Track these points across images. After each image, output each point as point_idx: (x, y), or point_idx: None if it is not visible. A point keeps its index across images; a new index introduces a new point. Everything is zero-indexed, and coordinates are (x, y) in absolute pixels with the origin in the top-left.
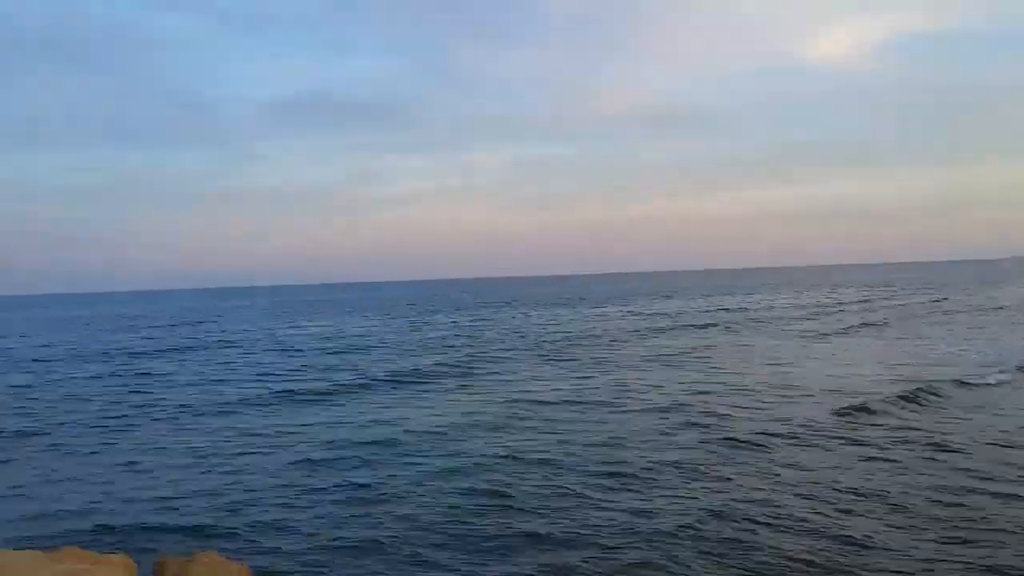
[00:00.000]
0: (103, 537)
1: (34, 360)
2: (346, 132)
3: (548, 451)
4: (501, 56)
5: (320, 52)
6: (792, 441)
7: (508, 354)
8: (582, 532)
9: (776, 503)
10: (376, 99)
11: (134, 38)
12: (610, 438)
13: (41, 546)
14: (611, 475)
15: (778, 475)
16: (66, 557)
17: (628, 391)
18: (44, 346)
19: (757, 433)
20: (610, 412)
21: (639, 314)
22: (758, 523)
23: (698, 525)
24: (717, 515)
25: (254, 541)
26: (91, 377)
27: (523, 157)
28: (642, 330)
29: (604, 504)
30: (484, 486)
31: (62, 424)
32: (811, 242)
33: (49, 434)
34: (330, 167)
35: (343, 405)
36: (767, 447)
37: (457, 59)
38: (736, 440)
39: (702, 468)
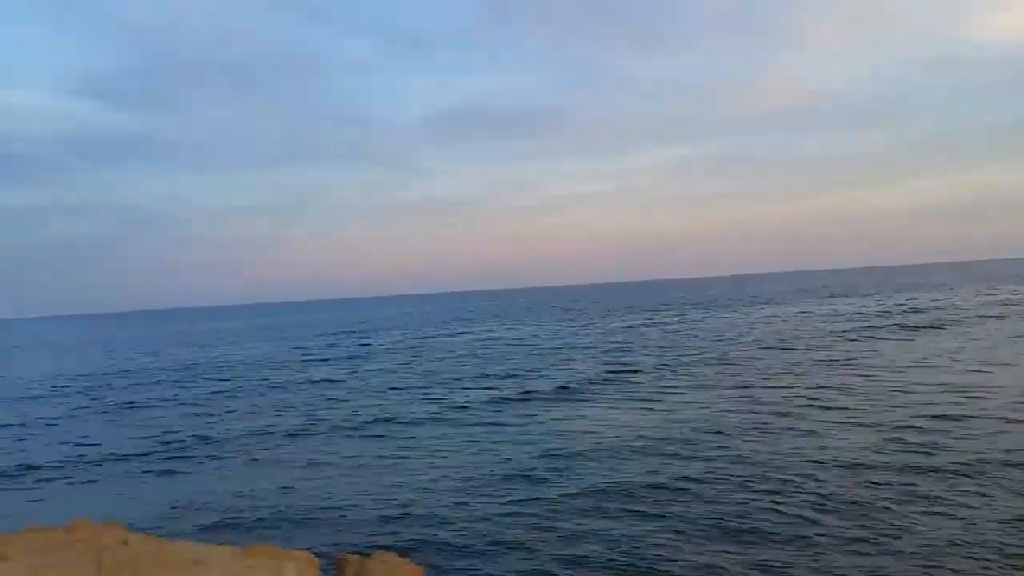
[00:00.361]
0: (288, 534)
1: (216, 369)
2: (502, 141)
3: (759, 468)
4: (653, 59)
5: (476, 65)
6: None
7: (681, 359)
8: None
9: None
10: (531, 108)
11: (307, 63)
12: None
13: (234, 542)
14: (834, 489)
15: (999, 504)
16: (255, 553)
17: (824, 402)
18: (226, 357)
19: (972, 455)
20: (803, 426)
21: (814, 315)
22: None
23: (930, 559)
24: (945, 548)
25: (428, 545)
26: (274, 385)
27: (676, 158)
28: (822, 332)
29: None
30: (677, 509)
31: (244, 430)
32: (981, 235)
33: (235, 439)
34: (486, 177)
35: (510, 414)
36: (981, 473)
37: (610, 64)
38: (957, 463)
39: (920, 494)
